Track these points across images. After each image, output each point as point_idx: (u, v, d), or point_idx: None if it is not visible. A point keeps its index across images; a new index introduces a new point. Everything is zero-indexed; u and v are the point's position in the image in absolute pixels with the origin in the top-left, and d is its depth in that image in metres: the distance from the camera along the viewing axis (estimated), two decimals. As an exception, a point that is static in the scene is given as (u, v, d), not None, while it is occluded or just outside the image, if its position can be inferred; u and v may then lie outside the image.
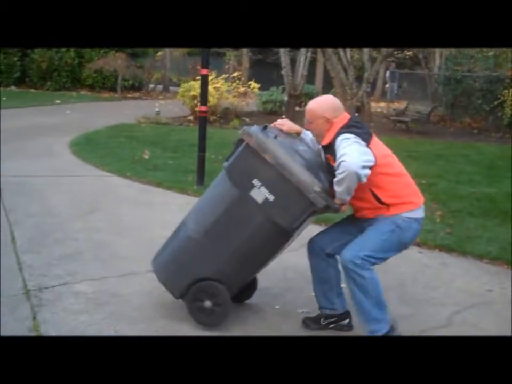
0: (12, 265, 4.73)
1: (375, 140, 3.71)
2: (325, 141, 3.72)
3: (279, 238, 3.76)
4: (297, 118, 19.12)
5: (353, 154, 3.41)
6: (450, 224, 6.56)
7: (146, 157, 10.13)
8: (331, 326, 3.97)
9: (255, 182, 3.62)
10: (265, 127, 3.72)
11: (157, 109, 17.84)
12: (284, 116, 19.21)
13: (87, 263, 4.94)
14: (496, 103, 17.78)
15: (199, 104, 8.64)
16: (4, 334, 3.52)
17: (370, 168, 3.46)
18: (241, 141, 3.76)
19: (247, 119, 17.86)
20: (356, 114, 19.35)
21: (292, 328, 3.97)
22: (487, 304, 4.54)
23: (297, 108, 20.35)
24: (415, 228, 3.70)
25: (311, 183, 3.51)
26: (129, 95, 25.75)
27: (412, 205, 3.70)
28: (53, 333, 3.62)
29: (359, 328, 3.61)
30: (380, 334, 3.60)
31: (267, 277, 4.49)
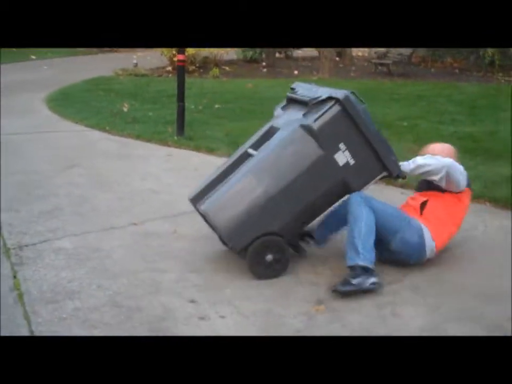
0: (-10, 224, 4.66)
1: None
2: None
3: (342, 196, 4.01)
4: (277, 65, 18.94)
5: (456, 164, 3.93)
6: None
7: (125, 109, 9.98)
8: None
9: (341, 145, 3.80)
10: (353, 93, 3.83)
11: (135, 61, 17.55)
12: (264, 63, 19.00)
13: (68, 218, 4.87)
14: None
15: (177, 54, 8.47)
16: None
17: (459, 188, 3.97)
18: (328, 99, 3.80)
19: (227, 68, 17.62)
20: (337, 58, 19.20)
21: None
22: (470, 241, 4.54)
23: (277, 54, 20.11)
24: (416, 240, 3.90)
25: (390, 152, 3.93)
26: (106, 48, 25.26)
27: (434, 233, 3.93)
28: (34, 290, 3.58)
29: (359, 328, 3.58)
30: (351, 263, 3.63)
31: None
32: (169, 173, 6.34)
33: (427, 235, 3.91)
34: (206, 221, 4.06)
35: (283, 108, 4.25)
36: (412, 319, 3.37)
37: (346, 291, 3.58)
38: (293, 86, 4.31)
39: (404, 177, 4.06)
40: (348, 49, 20.15)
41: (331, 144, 3.80)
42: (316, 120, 3.77)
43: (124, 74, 15.86)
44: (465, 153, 7.13)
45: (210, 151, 7.33)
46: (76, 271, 3.89)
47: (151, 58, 18.96)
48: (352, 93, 3.83)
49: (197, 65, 17.21)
